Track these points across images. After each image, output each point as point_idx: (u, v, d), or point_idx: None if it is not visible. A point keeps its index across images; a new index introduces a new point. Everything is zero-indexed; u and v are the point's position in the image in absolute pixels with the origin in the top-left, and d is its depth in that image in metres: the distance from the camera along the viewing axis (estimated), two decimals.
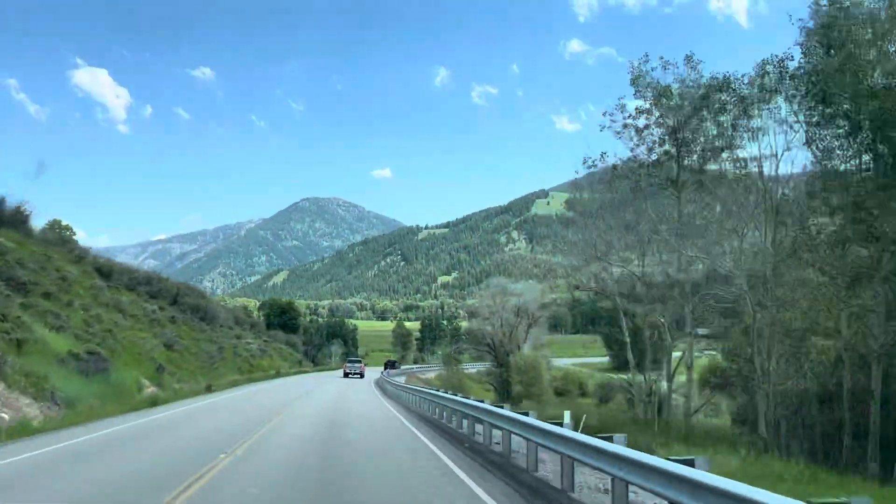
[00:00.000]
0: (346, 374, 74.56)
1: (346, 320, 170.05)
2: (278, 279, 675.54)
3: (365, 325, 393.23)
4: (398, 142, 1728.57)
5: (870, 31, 29.35)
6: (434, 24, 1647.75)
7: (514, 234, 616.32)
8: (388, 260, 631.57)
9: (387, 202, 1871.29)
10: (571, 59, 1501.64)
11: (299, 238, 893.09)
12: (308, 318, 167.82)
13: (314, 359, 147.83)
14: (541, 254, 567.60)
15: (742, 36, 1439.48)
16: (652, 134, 40.89)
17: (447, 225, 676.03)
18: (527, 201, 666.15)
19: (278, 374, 62.57)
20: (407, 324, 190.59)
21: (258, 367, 63.42)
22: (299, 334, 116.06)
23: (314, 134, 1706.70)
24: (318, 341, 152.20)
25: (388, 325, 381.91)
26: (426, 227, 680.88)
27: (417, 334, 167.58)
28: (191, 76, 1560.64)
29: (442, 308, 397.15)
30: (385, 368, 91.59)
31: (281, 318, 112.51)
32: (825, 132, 32.10)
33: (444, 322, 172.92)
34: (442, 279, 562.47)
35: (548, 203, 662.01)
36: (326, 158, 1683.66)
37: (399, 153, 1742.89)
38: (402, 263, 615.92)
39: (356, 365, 78.15)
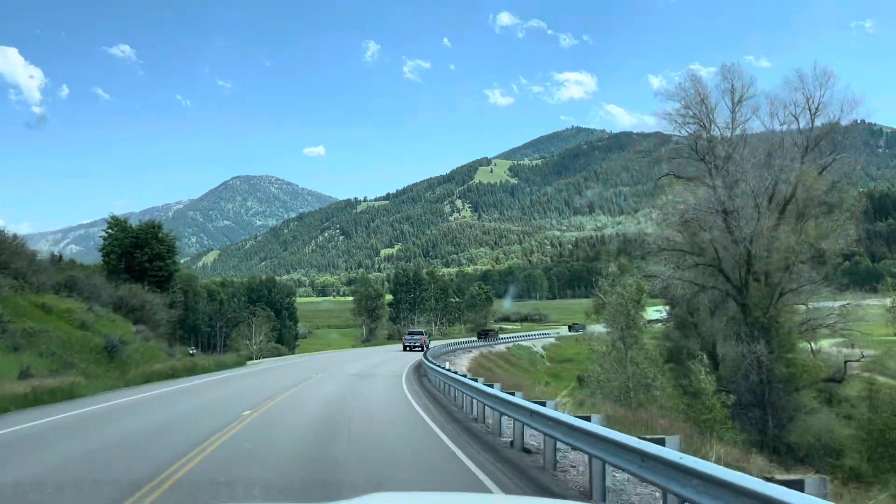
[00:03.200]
0: (405, 348, 63.89)
1: (279, 286, 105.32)
2: (208, 259, 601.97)
3: (304, 301, 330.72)
4: (331, 118, 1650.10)
5: None
6: None
7: (459, 203, 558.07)
8: (325, 235, 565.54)
9: (322, 179, 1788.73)
10: (502, 33, 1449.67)
11: (231, 217, 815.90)
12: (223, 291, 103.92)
13: (226, 342, 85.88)
14: (488, 221, 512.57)
15: (667, 7, 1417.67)
16: None
17: (387, 197, 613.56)
18: (469, 169, 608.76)
19: None
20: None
21: None
22: (172, 292, 53.53)
23: (243, 112, 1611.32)
24: (231, 314, 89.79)
25: (334, 300, 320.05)
26: (365, 200, 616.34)
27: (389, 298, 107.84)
28: (109, 54, 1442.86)
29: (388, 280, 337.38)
30: (479, 338, 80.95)
31: (131, 256, 50.36)
32: None
33: (427, 277, 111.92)
34: (385, 252, 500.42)
35: (491, 171, 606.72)
36: (257, 137, 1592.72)
37: (332, 130, 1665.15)
38: (342, 238, 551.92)
39: (416, 337, 65.97)
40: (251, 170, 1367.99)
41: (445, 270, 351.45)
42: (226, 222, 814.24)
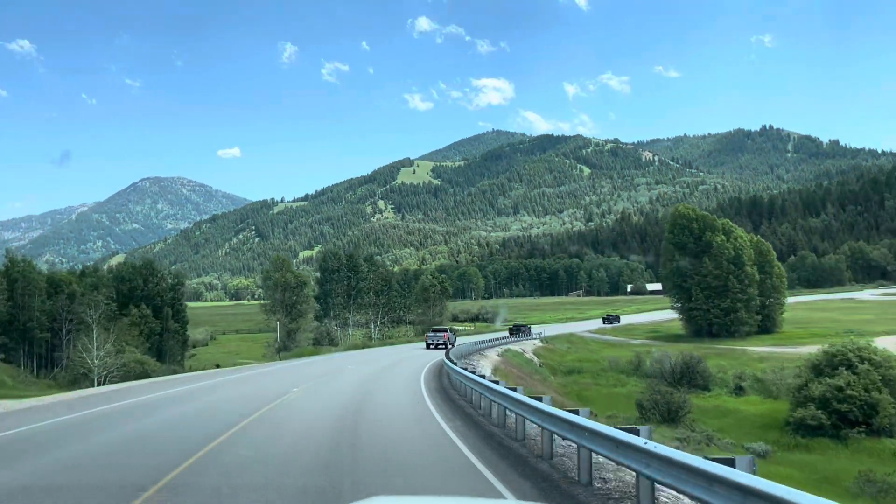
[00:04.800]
0: (428, 346, 56.84)
1: (159, 275, 73.17)
2: (113, 263, 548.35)
3: (212, 305, 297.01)
4: (247, 120, 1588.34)
5: None
6: None
7: (381, 204, 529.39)
8: (240, 237, 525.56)
9: (237, 181, 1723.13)
10: (420, 38, 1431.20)
11: (140, 221, 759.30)
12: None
13: (55, 364, 56.03)
14: (412, 221, 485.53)
15: (581, 17, 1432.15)
16: None
17: (306, 198, 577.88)
18: (392, 170, 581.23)
19: None
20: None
21: None
22: None
23: (153, 112, 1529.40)
24: (82, 313, 59.70)
25: (248, 304, 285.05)
26: (282, 201, 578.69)
27: (315, 289, 79.11)
28: (7, 49, 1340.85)
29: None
30: (511, 334, 71.36)
31: None
32: None
33: (365, 263, 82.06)
34: (304, 254, 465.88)
35: (413, 171, 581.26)
36: (168, 137, 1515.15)
37: (248, 131, 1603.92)
38: (257, 240, 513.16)
39: (440, 335, 57.48)
40: (162, 171, 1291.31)
41: None
42: (134, 225, 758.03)
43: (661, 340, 78.15)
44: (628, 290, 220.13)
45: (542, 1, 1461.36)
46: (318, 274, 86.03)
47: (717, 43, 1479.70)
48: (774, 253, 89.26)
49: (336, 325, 74.15)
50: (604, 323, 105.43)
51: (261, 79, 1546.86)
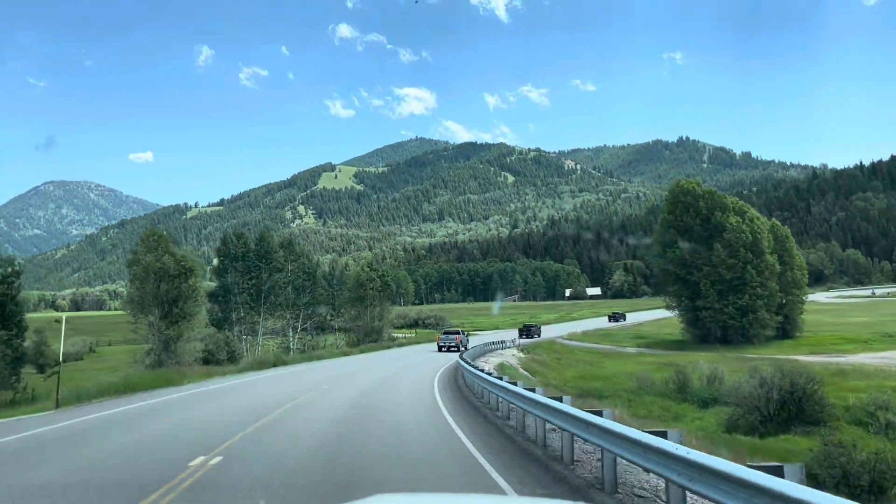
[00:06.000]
0: (440, 348, 53.93)
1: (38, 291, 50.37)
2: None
3: (113, 314, 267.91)
4: (160, 124, 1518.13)
5: None
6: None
7: (301, 209, 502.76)
8: None
9: (149, 186, 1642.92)
10: (341, 44, 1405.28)
11: (42, 226, 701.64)
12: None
13: None
14: (334, 227, 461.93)
15: (501, 29, 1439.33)
16: None
17: (221, 203, 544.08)
18: (313, 174, 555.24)
19: None
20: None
21: None
22: None
23: (60, 114, 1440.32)
24: None
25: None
26: (196, 206, 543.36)
27: (211, 282, 57.61)
28: None
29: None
30: (520, 336, 67.72)
31: None
32: None
33: (282, 250, 60.23)
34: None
35: (335, 176, 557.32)
36: (75, 140, 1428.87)
37: (162, 135, 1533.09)
38: None
39: (451, 337, 54.82)
40: (67, 175, 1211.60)
41: None
42: (36, 231, 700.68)
43: (662, 348, 61.03)
44: (566, 294, 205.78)
45: (463, 12, 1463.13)
46: (216, 262, 64.54)
47: (631, 59, 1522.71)
48: (793, 239, 73.96)
49: (241, 333, 53.53)
50: (609, 321, 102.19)
51: (175, 82, 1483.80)
